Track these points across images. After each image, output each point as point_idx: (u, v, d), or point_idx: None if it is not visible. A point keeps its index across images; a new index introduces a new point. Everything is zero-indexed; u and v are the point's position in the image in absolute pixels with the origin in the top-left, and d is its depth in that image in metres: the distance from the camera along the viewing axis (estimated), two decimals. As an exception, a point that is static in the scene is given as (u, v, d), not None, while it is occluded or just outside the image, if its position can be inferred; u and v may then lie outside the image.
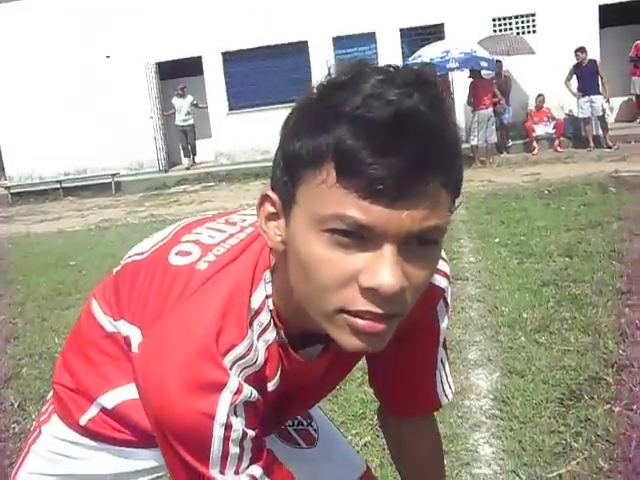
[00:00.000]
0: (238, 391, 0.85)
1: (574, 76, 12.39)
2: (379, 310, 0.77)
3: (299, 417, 1.33)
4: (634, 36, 13.85)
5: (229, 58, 15.77)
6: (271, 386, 0.94)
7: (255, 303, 0.92)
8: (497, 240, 5.79)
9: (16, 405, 3.38)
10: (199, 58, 15.72)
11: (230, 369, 0.86)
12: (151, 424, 0.89)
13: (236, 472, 0.87)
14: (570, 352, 3.30)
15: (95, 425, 1.12)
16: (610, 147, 11.93)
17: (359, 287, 0.77)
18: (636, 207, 6.47)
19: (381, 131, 0.71)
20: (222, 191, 12.91)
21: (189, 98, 15.51)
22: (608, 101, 12.67)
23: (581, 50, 12.22)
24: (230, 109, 15.93)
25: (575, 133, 13.02)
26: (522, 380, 3.06)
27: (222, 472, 0.86)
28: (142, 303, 1.02)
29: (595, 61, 12.38)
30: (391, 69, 0.77)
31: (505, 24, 14.38)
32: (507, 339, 3.57)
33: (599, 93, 12.21)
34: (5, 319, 5.09)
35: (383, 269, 0.75)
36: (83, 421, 1.13)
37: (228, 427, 0.84)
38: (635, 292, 4.04)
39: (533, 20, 14.25)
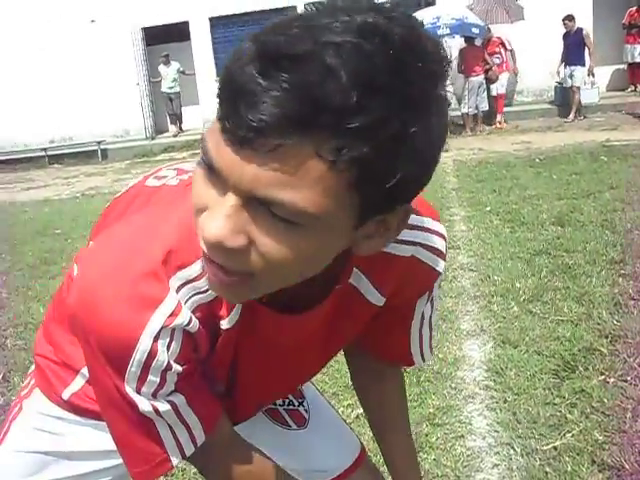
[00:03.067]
0: (174, 313, 0.76)
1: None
2: (215, 258, 0.66)
3: (290, 396, 1.26)
4: (627, 3, 13.70)
5: (216, 23, 15.49)
6: (225, 324, 0.83)
7: None
8: (488, 208, 5.73)
9: (0, 377, 3.31)
10: (186, 23, 15.42)
11: (177, 290, 0.77)
12: (79, 330, 0.81)
13: (154, 395, 0.80)
14: (564, 322, 3.26)
15: (79, 399, 1.06)
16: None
17: None
18: (627, 176, 6.43)
19: (262, 57, 0.60)
20: (210, 159, 12.76)
21: (175, 65, 15.21)
22: (591, 74, 12.19)
23: (569, 18, 11.81)
24: (217, 76, 15.67)
25: (563, 101, 12.88)
26: (516, 351, 3.02)
27: (138, 391, 0.79)
28: (105, 226, 0.97)
29: (581, 30, 11.84)
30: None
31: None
32: (500, 309, 3.53)
33: (581, 64, 11.85)
34: (-11, 288, 5.01)
35: (213, 215, 0.64)
36: (66, 395, 1.07)
37: (151, 355, 0.76)
38: (628, 262, 4.01)
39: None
